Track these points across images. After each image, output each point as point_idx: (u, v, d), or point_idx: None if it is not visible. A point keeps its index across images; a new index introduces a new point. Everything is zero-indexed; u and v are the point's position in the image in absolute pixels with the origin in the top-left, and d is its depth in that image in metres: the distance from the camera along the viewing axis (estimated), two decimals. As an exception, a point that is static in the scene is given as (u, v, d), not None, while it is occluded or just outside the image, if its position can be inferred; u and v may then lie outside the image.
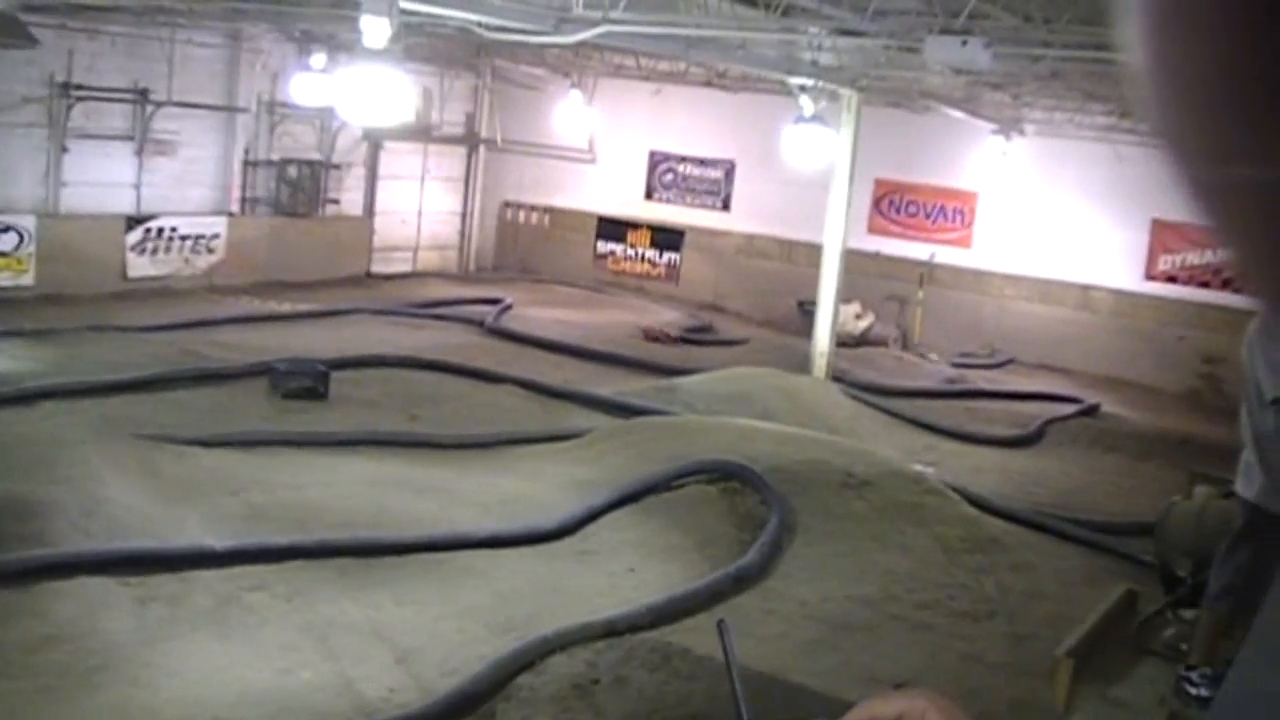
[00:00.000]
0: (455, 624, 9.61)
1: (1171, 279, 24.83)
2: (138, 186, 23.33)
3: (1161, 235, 24.71)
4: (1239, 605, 8.56)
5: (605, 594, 10.48)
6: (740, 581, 10.75)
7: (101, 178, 22.74)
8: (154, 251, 23.20)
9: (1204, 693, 8.63)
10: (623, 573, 11.09)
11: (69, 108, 22.00)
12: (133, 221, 22.95)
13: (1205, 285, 24.29)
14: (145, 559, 9.75)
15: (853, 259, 21.92)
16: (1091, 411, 20.80)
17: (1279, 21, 0.47)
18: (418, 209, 30.02)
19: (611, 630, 9.30)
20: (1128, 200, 24.49)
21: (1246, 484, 8.45)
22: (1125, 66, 0.53)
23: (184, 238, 23.72)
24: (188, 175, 24.36)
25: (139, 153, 23.25)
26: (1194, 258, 24.45)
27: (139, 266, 22.96)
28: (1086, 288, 25.62)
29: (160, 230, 23.29)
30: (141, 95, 23.02)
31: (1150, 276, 25.11)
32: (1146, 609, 10.95)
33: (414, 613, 9.72)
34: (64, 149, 22.09)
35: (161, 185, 23.76)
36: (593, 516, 12.07)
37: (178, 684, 8.15)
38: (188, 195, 24.38)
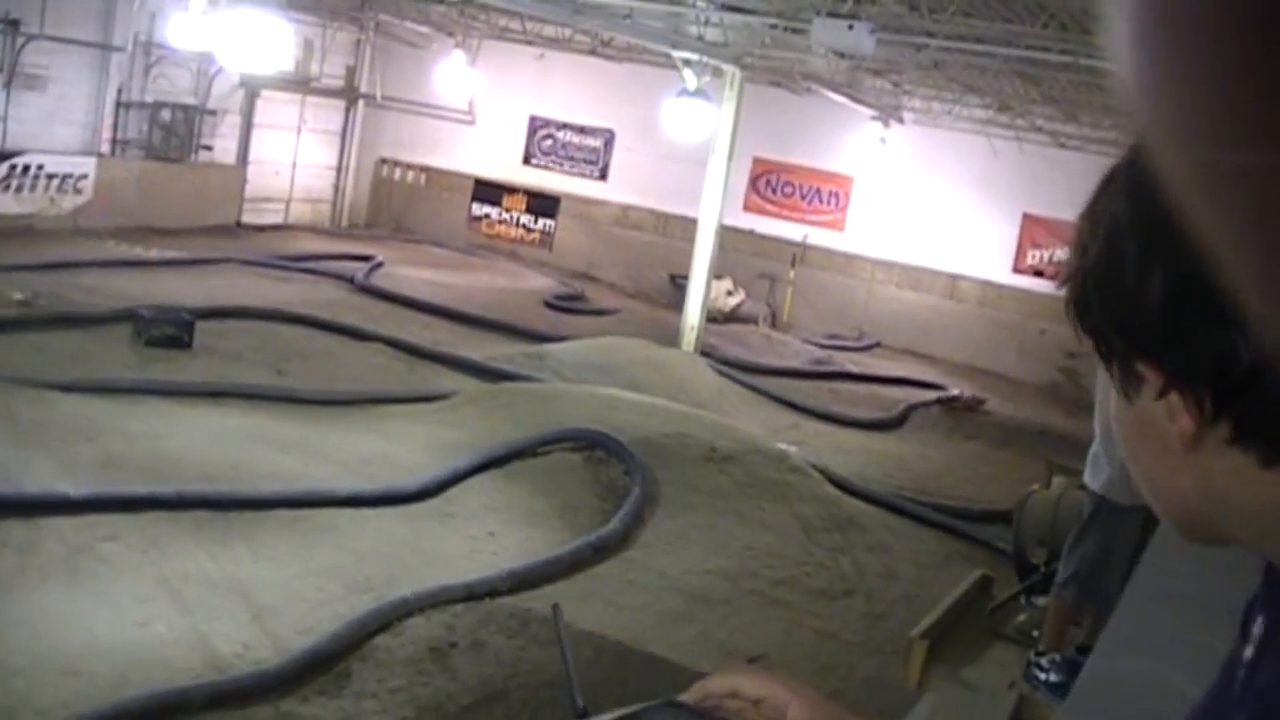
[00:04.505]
0: (313, 582, 9.51)
1: (1038, 273, 25.27)
2: (4, 120, 22.62)
3: (1031, 230, 25.18)
4: (1084, 593, 8.78)
5: (466, 557, 10.45)
6: (601, 550, 10.77)
7: (-36, 110, 22.08)
8: (18, 189, 22.58)
9: (1053, 678, 8.81)
10: (484, 537, 11.07)
11: (-67, 36, 21.34)
12: (-3, 156, 22.34)
13: (1070, 280, 24.70)
14: (-4, 503, 9.53)
15: (727, 235, 21.99)
16: (954, 400, 21.10)
17: None
18: (292, 160, 29.65)
19: (470, 594, 9.28)
20: (1000, 194, 24.96)
21: (1094, 475, 8.73)
22: (1111, 46, 0.52)
23: (50, 176, 23.12)
24: (57, 112, 23.74)
25: (6, 85, 22.55)
26: (1061, 253, 24.90)
27: (2, 204, 22.33)
28: (955, 277, 26.02)
29: (26, 167, 22.67)
30: (11, 26, 22.30)
31: (1018, 269, 25.56)
32: (1000, 594, 11.17)
33: (271, 569, 9.61)
34: (-74, 78, 21.43)
35: (29, 121, 23.10)
36: (456, 479, 12.03)
37: (26, 633, 7.97)
38: (56, 133, 23.76)
